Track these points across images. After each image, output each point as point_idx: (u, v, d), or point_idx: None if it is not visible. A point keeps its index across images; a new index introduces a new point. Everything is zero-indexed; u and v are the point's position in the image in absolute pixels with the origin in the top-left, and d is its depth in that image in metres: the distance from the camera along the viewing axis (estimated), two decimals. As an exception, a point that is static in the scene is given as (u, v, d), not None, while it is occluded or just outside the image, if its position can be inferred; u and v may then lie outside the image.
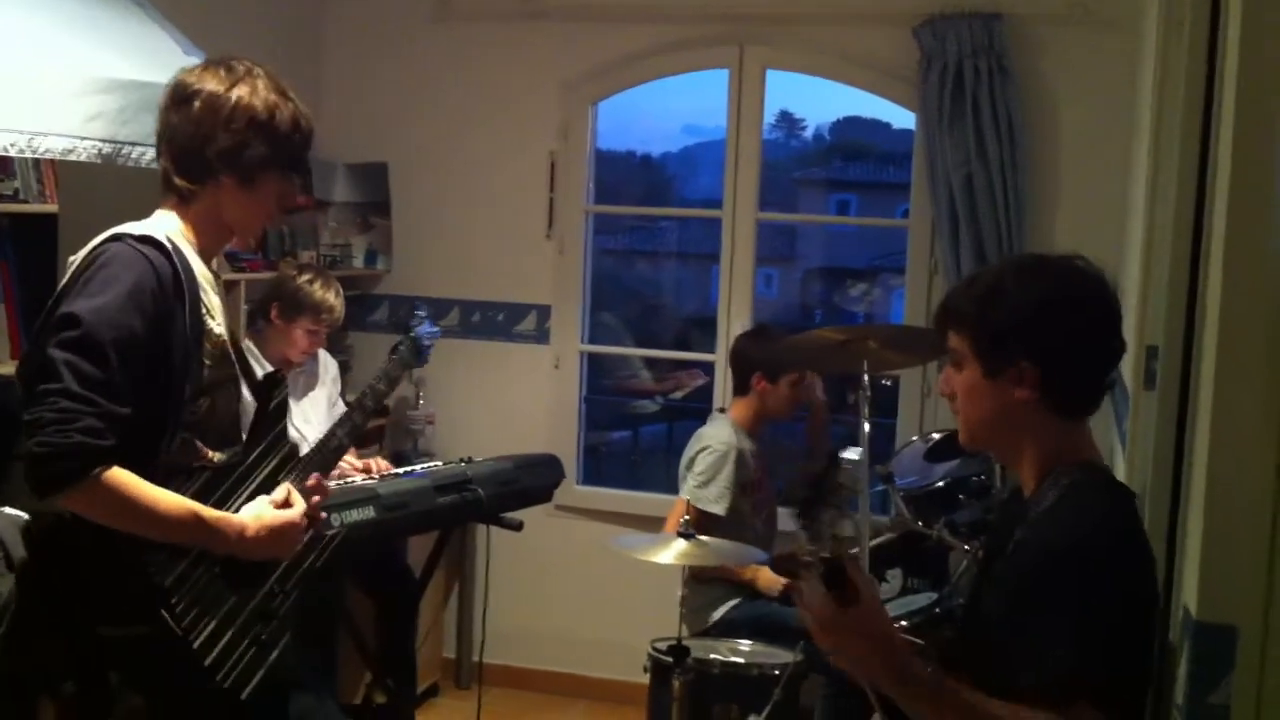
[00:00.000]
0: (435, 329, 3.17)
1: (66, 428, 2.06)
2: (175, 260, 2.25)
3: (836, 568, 1.72)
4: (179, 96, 2.34)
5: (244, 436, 2.41)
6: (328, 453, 2.62)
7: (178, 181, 2.33)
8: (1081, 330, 1.98)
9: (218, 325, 2.32)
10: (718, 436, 4.31)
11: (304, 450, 2.57)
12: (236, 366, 2.40)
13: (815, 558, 1.71)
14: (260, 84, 2.35)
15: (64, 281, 2.26)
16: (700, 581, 4.24)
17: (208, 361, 2.29)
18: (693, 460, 4.30)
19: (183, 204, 2.35)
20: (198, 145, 2.31)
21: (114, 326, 2.13)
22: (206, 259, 2.38)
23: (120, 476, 2.12)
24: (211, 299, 2.34)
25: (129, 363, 2.13)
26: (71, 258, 2.30)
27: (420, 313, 3.18)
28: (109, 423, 2.09)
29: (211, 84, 2.33)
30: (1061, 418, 1.99)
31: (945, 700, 1.77)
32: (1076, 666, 1.76)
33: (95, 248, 2.25)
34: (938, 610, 3.52)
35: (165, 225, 2.32)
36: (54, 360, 2.10)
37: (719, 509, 4.19)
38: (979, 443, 2.09)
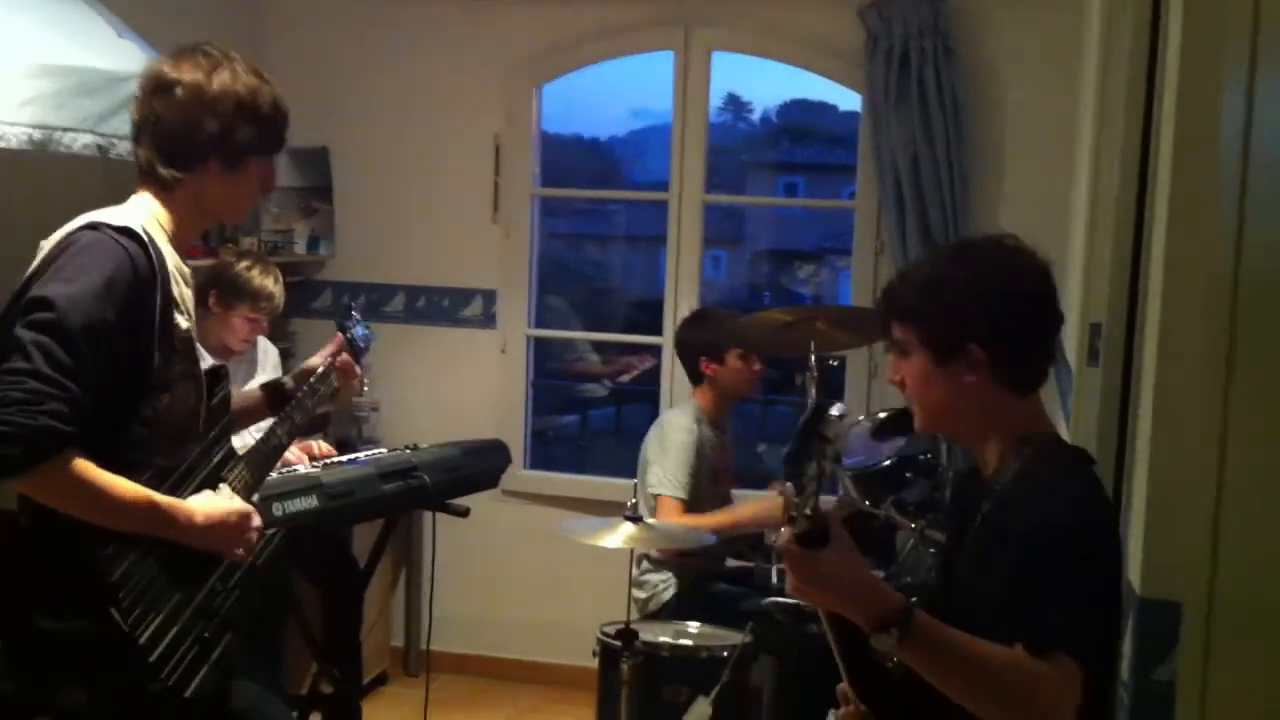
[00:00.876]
0: (370, 333, 3.16)
1: (33, 409, 2.03)
2: (151, 253, 2.23)
3: (819, 529, 1.71)
4: (159, 85, 2.33)
5: (202, 427, 2.38)
6: (268, 451, 2.59)
7: (163, 171, 2.32)
8: (1021, 307, 2.01)
9: (185, 320, 2.30)
10: (680, 425, 4.29)
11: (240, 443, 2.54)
12: (198, 361, 2.36)
13: (800, 514, 1.69)
14: (239, 68, 2.36)
15: (34, 266, 2.22)
16: (650, 564, 4.23)
17: (174, 358, 2.27)
18: (655, 450, 4.27)
19: (165, 192, 2.34)
20: (185, 132, 2.31)
21: (87, 314, 2.10)
22: (180, 247, 2.36)
23: (80, 463, 2.10)
24: (183, 291, 2.33)
25: (98, 352, 2.11)
26: (43, 242, 2.27)
27: (355, 314, 3.15)
28: (74, 409, 2.07)
29: (192, 72, 2.32)
30: (1014, 395, 2.02)
31: (928, 642, 1.76)
32: (1054, 620, 1.78)
33: (69, 234, 2.22)
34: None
35: (142, 214, 2.30)
36: (23, 341, 2.07)
37: (684, 494, 4.20)
38: (937, 427, 2.12)
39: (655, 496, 4.20)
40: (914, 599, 1.81)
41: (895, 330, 2.07)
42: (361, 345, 3.08)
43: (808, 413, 1.77)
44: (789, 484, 1.73)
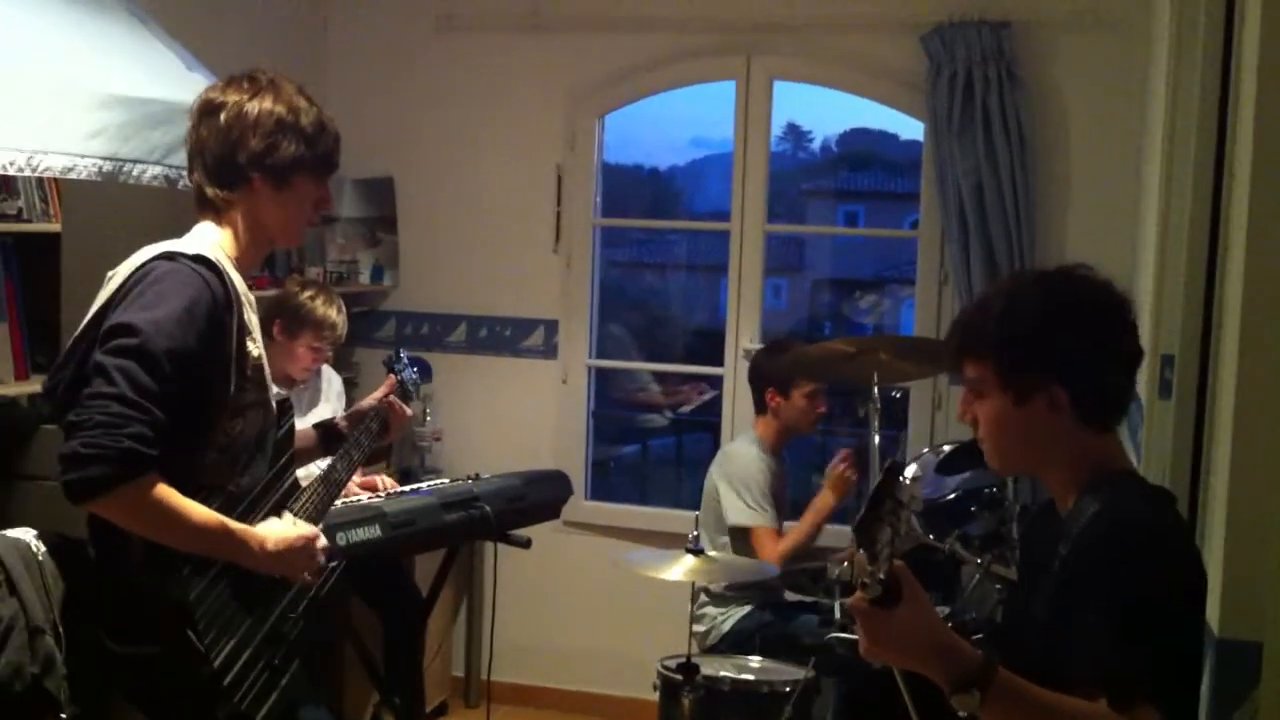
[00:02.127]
0: (417, 377, 3.22)
1: (117, 431, 2.05)
2: (226, 280, 2.26)
3: (893, 585, 1.66)
4: (205, 110, 2.38)
5: (269, 455, 2.40)
6: (330, 485, 2.62)
7: (211, 192, 2.36)
8: (1102, 343, 1.94)
9: (256, 347, 2.33)
10: (749, 455, 4.28)
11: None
12: (268, 387, 2.38)
13: (873, 580, 1.64)
14: (284, 90, 2.40)
15: (107, 294, 2.25)
16: (710, 597, 4.20)
17: (246, 384, 2.29)
18: (728, 482, 4.25)
19: (220, 216, 2.37)
20: (229, 153, 2.34)
21: (170, 338, 2.13)
22: (244, 273, 2.39)
23: (159, 487, 2.11)
24: (251, 319, 2.34)
25: (179, 377, 2.13)
26: (111, 272, 2.29)
27: (404, 357, 3.22)
28: (156, 432, 2.09)
29: (236, 95, 2.37)
30: (1094, 432, 1.95)
31: (1011, 701, 1.69)
32: (1138, 670, 1.72)
33: (145, 264, 2.25)
34: (949, 625, 3.47)
35: (209, 241, 2.33)
36: (106, 366, 2.09)
37: (773, 523, 4.22)
38: (1012, 468, 2.05)
39: (745, 529, 4.18)
40: (978, 635, 1.75)
41: (969, 368, 1.99)
42: (411, 389, 3.13)
43: (881, 478, 1.68)
44: (861, 551, 1.66)
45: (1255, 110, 1.97)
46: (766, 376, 4.34)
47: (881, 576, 1.63)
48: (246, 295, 2.35)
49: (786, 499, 4.44)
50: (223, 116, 2.34)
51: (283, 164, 2.36)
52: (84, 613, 2.30)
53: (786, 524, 4.37)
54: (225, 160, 2.34)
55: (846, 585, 3.38)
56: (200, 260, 2.24)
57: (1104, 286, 1.98)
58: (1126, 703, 1.69)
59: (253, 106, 2.35)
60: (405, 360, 3.21)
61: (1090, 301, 1.96)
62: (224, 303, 2.24)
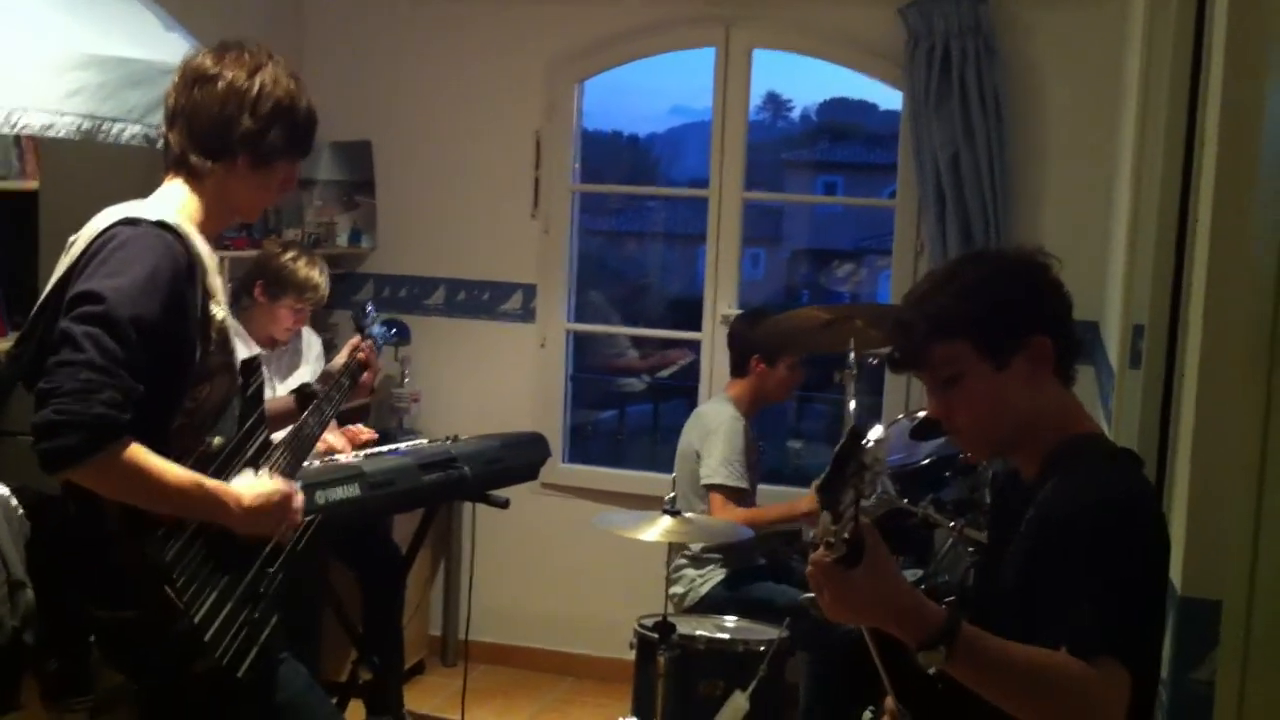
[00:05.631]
0: (386, 331, 3.24)
1: (89, 398, 2.05)
2: (188, 245, 2.25)
3: (856, 545, 1.67)
4: (200, 76, 2.35)
5: (236, 416, 2.40)
6: (302, 440, 2.64)
7: (194, 159, 2.34)
8: (1056, 291, 1.97)
9: (220, 310, 2.33)
10: (722, 415, 4.31)
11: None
12: (234, 351, 2.39)
13: (838, 540, 1.67)
14: (280, 70, 2.39)
15: (69, 261, 2.24)
16: (686, 559, 4.24)
17: (212, 348, 2.29)
18: (704, 441, 4.28)
19: (194, 180, 2.36)
20: (222, 126, 2.33)
21: (135, 305, 2.13)
22: (208, 238, 2.38)
23: (134, 450, 2.11)
24: (214, 282, 2.34)
25: (146, 343, 2.13)
26: (73, 237, 2.29)
27: (371, 313, 3.23)
28: (128, 397, 2.09)
29: (235, 68, 2.35)
30: (1064, 387, 1.96)
31: (976, 656, 1.71)
32: (1100, 623, 1.74)
33: (108, 229, 2.24)
34: (922, 587, 3.53)
35: (174, 204, 2.32)
36: (73, 334, 2.09)
37: (744, 484, 4.22)
38: (996, 447, 2.02)
39: (709, 488, 4.21)
40: (950, 598, 1.77)
41: (939, 354, 1.95)
42: (380, 342, 3.15)
43: (843, 439, 1.67)
44: (825, 513, 1.67)
45: (1223, 86, 2.01)
46: (753, 344, 4.36)
47: (846, 536, 1.64)
48: (210, 259, 2.34)
49: (759, 464, 4.47)
50: (220, 86, 2.33)
51: (269, 148, 2.36)
52: (62, 573, 2.31)
53: (761, 486, 4.42)
54: (215, 133, 2.33)
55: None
56: (162, 225, 2.23)
57: (1025, 250, 2.02)
58: (1087, 655, 1.71)
59: (251, 85, 2.34)
60: (372, 313, 3.22)
61: (1027, 259, 2.00)
62: (186, 268, 2.23)
